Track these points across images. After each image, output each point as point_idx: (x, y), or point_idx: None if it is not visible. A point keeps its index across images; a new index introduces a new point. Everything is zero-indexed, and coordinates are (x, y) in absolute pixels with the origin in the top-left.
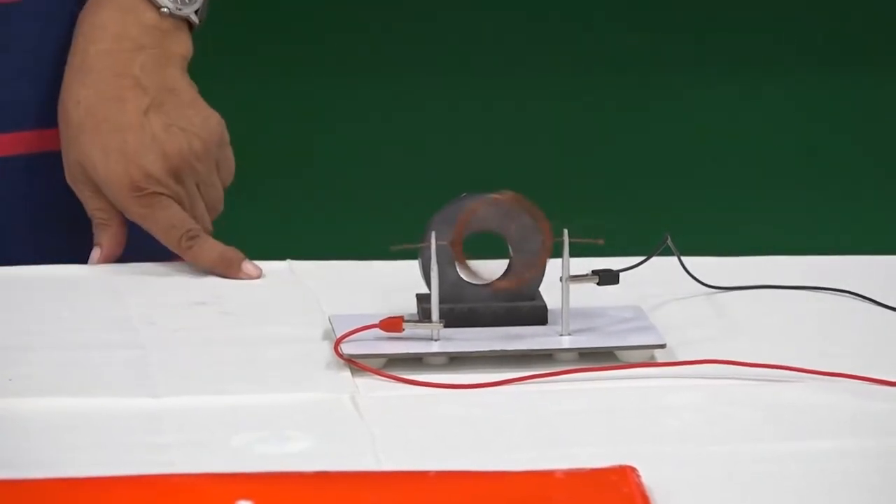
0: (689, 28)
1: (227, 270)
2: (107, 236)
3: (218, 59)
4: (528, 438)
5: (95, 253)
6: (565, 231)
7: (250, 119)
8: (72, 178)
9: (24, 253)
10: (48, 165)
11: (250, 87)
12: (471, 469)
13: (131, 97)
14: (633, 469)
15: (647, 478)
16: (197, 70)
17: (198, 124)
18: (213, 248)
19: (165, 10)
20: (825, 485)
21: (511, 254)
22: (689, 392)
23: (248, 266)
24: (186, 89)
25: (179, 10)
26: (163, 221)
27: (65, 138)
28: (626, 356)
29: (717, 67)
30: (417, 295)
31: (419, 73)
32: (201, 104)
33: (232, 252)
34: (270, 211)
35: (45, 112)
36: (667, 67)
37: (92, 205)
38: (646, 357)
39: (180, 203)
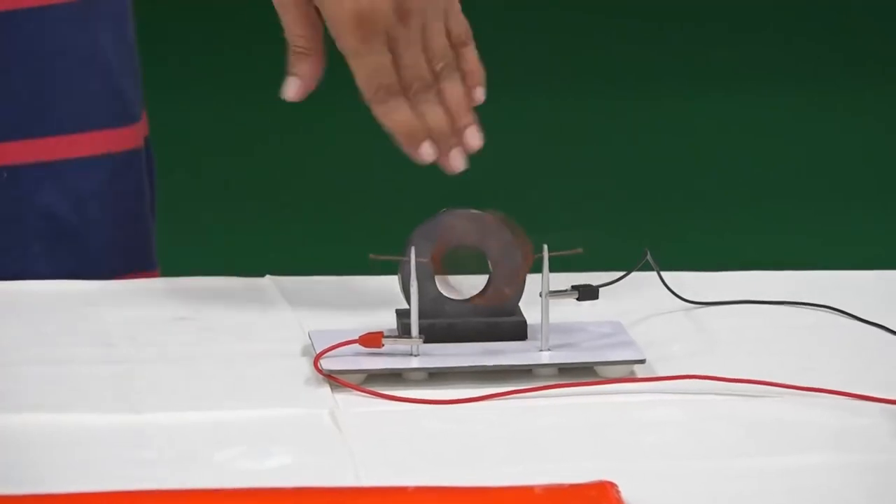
0: (674, 41)
1: (407, 144)
2: (307, 66)
3: (205, 74)
4: (507, 454)
5: (293, 84)
6: (545, 246)
7: (230, 137)
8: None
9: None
10: (32, 178)
11: (233, 102)
12: (450, 485)
13: None
14: (613, 485)
15: (627, 493)
16: (182, 86)
17: None
18: (404, 114)
19: None
20: (806, 500)
21: (491, 269)
22: (669, 407)
23: (426, 148)
24: None
25: None
26: (370, 64)
27: None
28: (605, 371)
29: (703, 82)
30: (397, 310)
31: None
32: None
33: (419, 128)
34: (250, 226)
35: (24, 123)
36: (652, 81)
37: (295, 30)
38: (625, 372)
39: (395, 46)
